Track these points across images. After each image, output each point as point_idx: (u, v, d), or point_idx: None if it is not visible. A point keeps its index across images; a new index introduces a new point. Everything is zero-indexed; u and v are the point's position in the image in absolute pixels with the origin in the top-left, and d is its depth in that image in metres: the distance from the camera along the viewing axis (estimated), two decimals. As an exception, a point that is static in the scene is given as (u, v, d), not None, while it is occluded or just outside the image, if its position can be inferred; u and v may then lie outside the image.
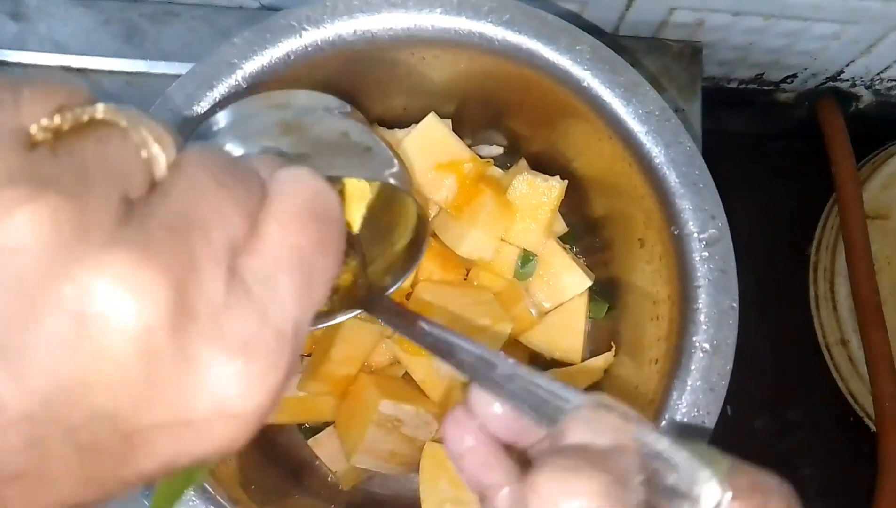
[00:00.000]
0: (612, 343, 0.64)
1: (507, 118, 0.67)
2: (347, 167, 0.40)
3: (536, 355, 0.67)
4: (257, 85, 0.53)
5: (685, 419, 0.48)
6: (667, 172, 0.51)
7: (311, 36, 0.53)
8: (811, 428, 0.97)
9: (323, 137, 0.42)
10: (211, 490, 0.48)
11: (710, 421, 0.48)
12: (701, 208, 0.50)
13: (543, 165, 0.67)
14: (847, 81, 0.88)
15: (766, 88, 0.93)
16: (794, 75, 0.88)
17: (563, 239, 0.68)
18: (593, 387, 0.65)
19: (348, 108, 0.47)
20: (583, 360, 0.65)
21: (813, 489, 0.95)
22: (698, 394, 0.49)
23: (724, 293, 0.50)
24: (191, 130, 0.50)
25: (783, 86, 0.92)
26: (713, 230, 0.50)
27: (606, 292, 0.67)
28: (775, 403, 0.97)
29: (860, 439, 0.90)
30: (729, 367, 0.49)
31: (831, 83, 0.89)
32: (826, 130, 0.89)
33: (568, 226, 0.69)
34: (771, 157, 1.03)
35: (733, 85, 0.92)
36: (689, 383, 0.49)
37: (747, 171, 0.97)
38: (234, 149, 0.39)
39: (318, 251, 0.25)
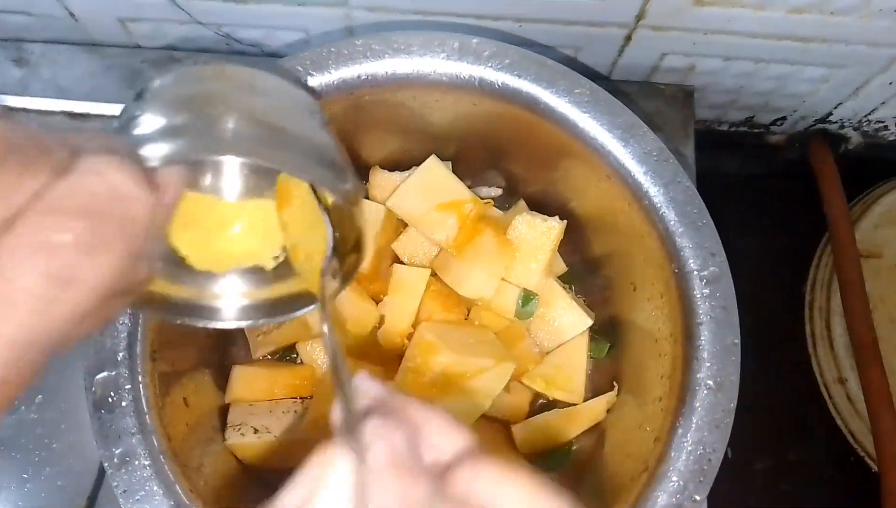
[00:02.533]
0: (615, 383, 0.63)
1: (505, 160, 0.68)
2: (298, 167, 0.37)
3: (538, 395, 0.67)
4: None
5: (692, 457, 0.48)
6: (666, 211, 0.52)
7: (316, 80, 0.54)
8: (811, 469, 0.97)
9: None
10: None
11: (717, 459, 0.48)
12: (701, 245, 0.51)
13: (542, 205, 0.67)
14: (836, 122, 0.90)
15: (756, 130, 0.94)
16: (784, 118, 0.90)
17: (562, 279, 0.68)
18: (596, 427, 0.65)
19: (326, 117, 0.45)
20: (585, 400, 0.65)
21: (813, 529, 0.94)
22: (704, 431, 0.49)
23: (726, 330, 0.50)
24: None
25: (773, 128, 0.94)
26: (714, 268, 0.51)
27: (607, 332, 0.67)
28: (775, 444, 0.96)
29: (861, 479, 0.89)
30: (733, 404, 0.49)
31: (820, 125, 0.91)
32: (818, 170, 0.91)
33: (567, 266, 0.69)
34: (763, 197, 1.05)
35: (724, 127, 0.94)
36: (695, 420, 0.49)
37: (740, 212, 0.98)
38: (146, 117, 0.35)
39: (75, 248, 0.25)
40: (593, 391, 0.67)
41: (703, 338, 0.50)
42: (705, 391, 0.49)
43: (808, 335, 0.94)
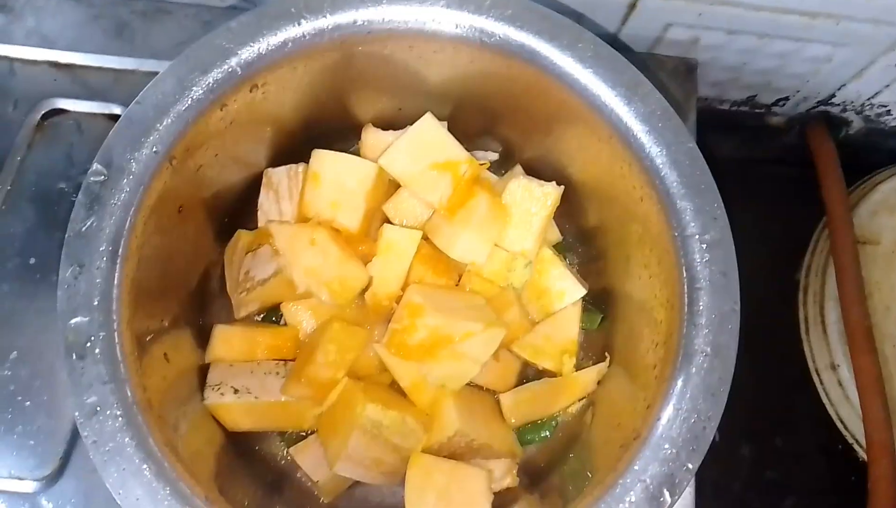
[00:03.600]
0: (607, 354, 0.62)
1: (502, 124, 0.66)
2: None
3: (526, 365, 0.65)
4: (250, 71, 0.52)
5: (685, 425, 0.47)
6: (668, 172, 0.50)
7: (311, 25, 0.52)
8: (798, 456, 0.96)
9: None
10: (187, 490, 0.46)
11: (711, 428, 0.47)
12: (702, 209, 0.49)
13: (538, 171, 0.66)
14: (838, 105, 0.88)
15: (757, 110, 0.93)
16: (786, 98, 0.89)
17: (556, 248, 0.66)
18: (587, 399, 0.63)
19: None
20: (576, 370, 0.63)
21: (796, 517, 0.94)
22: (699, 400, 0.47)
23: (725, 296, 0.48)
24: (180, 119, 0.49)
25: (774, 109, 0.92)
26: (714, 232, 0.49)
27: (600, 303, 0.66)
28: (762, 430, 0.95)
29: (847, 467, 0.88)
30: (730, 372, 0.48)
31: (822, 107, 0.90)
32: (816, 154, 0.90)
33: (562, 235, 0.67)
34: (759, 182, 1.03)
35: (725, 106, 0.92)
36: (689, 388, 0.47)
37: (735, 196, 0.97)
38: None
39: None
40: (583, 363, 0.65)
41: (701, 304, 0.48)
42: (702, 358, 0.47)
43: (800, 321, 0.93)
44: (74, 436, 0.68)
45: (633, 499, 0.46)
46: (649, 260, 0.54)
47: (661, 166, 0.50)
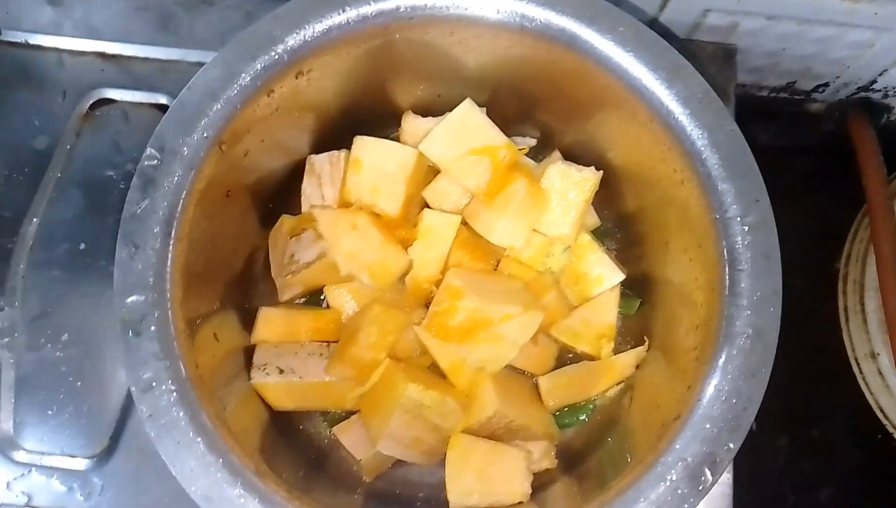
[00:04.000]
0: (645, 337, 0.62)
1: (540, 110, 0.67)
2: None
3: (564, 349, 0.66)
4: (296, 57, 0.53)
5: (726, 405, 0.47)
6: (709, 155, 0.50)
7: (354, 11, 0.53)
8: (835, 447, 0.95)
9: None
10: (237, 463, 0.47)
11: (752, 410, 0.47)
12: (744, 191, 0.50)
13: (576, 157, 0.66)
14: (879, 91, 0.87)
15: (797, 96, 0.92)
16: (826, 84, 0.87)
17: (594, 234, 0.67)
18: (624, 383, 0.64)
19: None
20: (614, 354, 0.63)
21: (833, 509, 0.93)
22: (739, 381, 0.47)
23: (767, 279, 0.49)
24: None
25: (814, 95, 0.91)
26: (756, 214, 0.49)
27: (638, 289, 0.66)
28: (799, 420, 0.95)
29: (886, 457, 0.87)
30: (771, 354, 0.48)
31: (863, 93, 0.88)
32: (856, 141, 0.88)
33: (600, 220, 0.68)
34: (797, 170, 1.02)
35: (764, 93, 0.92)
36: (730, 369, 0.47)
37: (773, 184, 0.96)
38: None
39: None
40: (620, 349, 0.66)
41: (742, 285, 0.48)
42: (743, 340, 0.48)
43: (840, 310, 0.92)
44: (124, 415, 0.70)
45: (673, 477, 0.46)
46: (689, 244, 0.54)
47: (702, 149, 0.51)
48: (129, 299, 0.48)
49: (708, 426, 0.47)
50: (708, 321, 0.50)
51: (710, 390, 0.47)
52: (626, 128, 0.57)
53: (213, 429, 0.47)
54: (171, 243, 0.50)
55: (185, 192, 0.51)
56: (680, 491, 0.46)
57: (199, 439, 0.47)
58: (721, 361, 0.48)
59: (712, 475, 0.46)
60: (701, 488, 0.46)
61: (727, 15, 0.74)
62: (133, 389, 0.47)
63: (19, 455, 0.70)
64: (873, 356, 0.87)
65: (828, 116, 0.96)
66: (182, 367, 0.48)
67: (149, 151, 0.51)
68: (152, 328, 0.48)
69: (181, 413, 0.47)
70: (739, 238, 0.49)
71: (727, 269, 0.49)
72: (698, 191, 0.51)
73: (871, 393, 0.89)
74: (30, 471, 0.70)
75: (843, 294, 0.92)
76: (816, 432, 0.98)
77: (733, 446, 0.46)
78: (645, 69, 0.52)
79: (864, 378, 0.90)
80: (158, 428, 0.47)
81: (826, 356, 0.92)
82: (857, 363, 0.90)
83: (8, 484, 0.70)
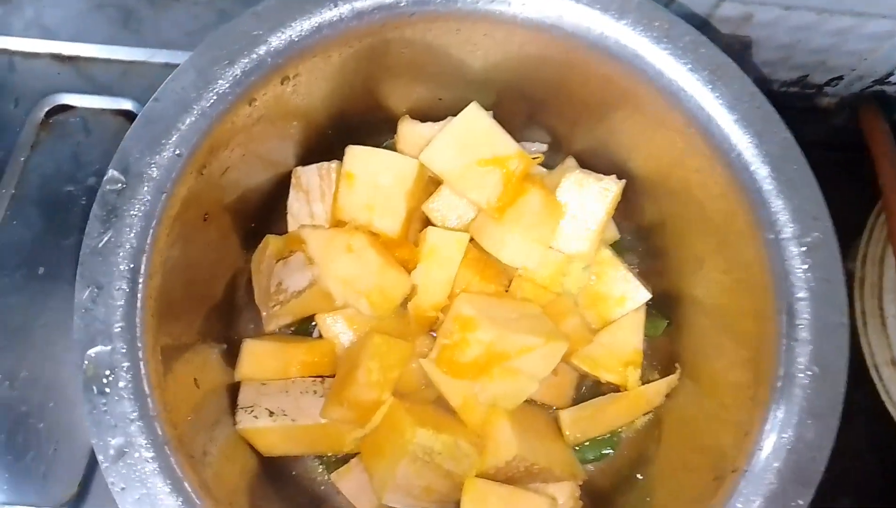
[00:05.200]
0: (676, 365, 0.56)
1: (550, 113, 0.60)
2: None
3: (583, 376, 0.60)
4: (281, 60, 0.46)
5: (792, 455, 0.41)
6: (758, 167, 0.44)
7: (348, 6, 0.46)
8: (853, 456, 0.91)
9: None
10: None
11: (821, 460, 0.41)
12: (801, 208, 0.44)
13: (593, 164, 0.60)
14: (895, 84, 0.82)
15: (808, 91, 0.87)
16: (840, 77, 0.83)
17: (613, 247, 0.61)
18: (652, 413, 0.58)
19: None
20: (641, 381, 0.57)
21: (851, 520, 0.88)
22: (805, 427, 0.41)
23: (830, 307, 0.43)
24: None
25: (826, 89, 0.86)
26: (817, 234, 0.43)
27: (662, 307, 0.60)
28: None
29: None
30: (841, 394, 0.42)
31: (878, 87, 0.84)
32: (870, 136, 0.84)
33: (621, 233, 0.62)
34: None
35: (774, 87, 0.86)
36: (795, 412, 0.42)
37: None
38: None
39: None
40: (647, 370, 0.60)
41: (804, 316, 0.42)
42: (807, 378, 0.42)
43: (857, 314, 0.87)
44: (93, 459, 0.63)
45: (734, 541, 0.40)
46: (732, 265, 0.48)
47: (749, 160, 0.44)
48: (93, 351, 0.41)
49: (772, 480, 0.41)
50: (761, 354, 0.44)
51: (773, 437, 0.41)
52: (654, 134, 0.51)
53: (199, 503, 0.40)
54: (142, 281, 0.42)
55: (154, 221, 0.43)
56: (742, 557, 0.40)
57: (181, 516, 0.39)
58: (782, 404, 0.42)
59: (778, 537, 0.40)
60: (766, 552, 0.40)
61: (742, 5, 0.68)
62: (100, 458, 0.40)
63: (-24, 508, 0.63)
64: (893, 362, 0.83)
65: (839, 110, 0.91)
66: (159, 428, 0.41)
67: (111, 173, 0.43)
68: (120, 384, 0.41)
69: (160, 485, 0.40)
70: (797, 261, 0.43)
71: (783, 296, 0.43)
72: (744, 207, 0.45)
73: (892, 401, 0.85)
74: (-11, 526, 0.63)
75: (860, 298, 0.87)
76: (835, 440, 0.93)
77: (802, 502, 0.41)
78: (683, 69, 0.46)
79: (883, 386, 0.85)
80: (133, 504, 0.40)
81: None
82: (877, 370, 0.85)
83: (-35, 541, 0.62)
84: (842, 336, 0.42)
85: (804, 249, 0.43)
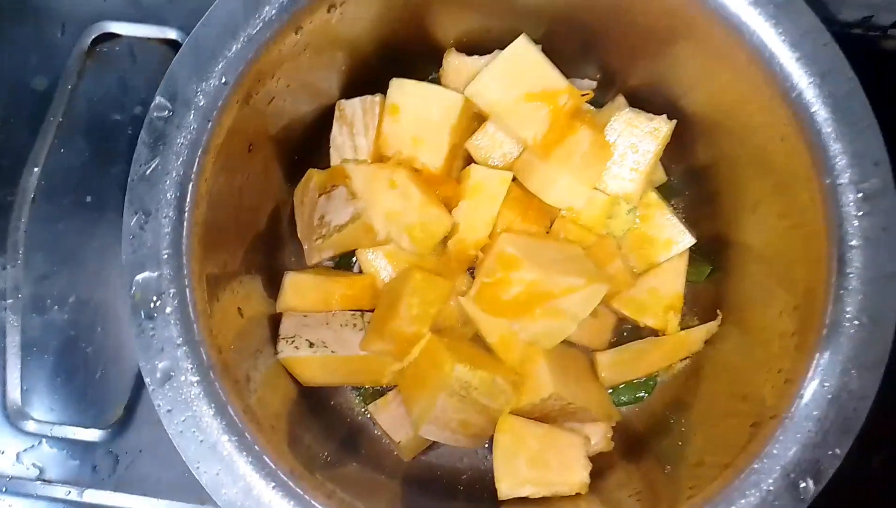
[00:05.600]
0: (718, 311, 0.55)
1: (603, 46, 0.58)
2: None
3: (622, 319, 0.59)
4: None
5: (834, 404, 0.41)
6: (819, 108, 0.43)
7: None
8: (889, 411, 0.89)
9: None
10: (270, 463, 0.41)
11: (863, 410, 0.41)
12: (861, 153, 0.42)
13: (643, 102, 0.58)
14: (968, 27, 0.78)
15: (872, 33, 0.83)
16: (908, 18, 0.78)
17: (660, 190, 0.59)
18: (690, 359, 0.57)
19: None
20: (680, 328, 0.57)
21: (886, 478, 0.87)
22: (850, 376, 0.41)
23: (885, 256, 0.41)
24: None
25: (892, 31, 0.82)
26: (876, 180, 0.42)
27: (707, 253, 0.59)
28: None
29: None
30: (888, 344, 0.41)
31: (949, 30, 0.79)
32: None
33: (668, 176, 0.60)
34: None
35: (835, 28, 0.82)
36: (840, 361, 0.41)
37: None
38: None
39: None
40: (686, 317, 0.59)
41: (855, 264, 0.41)
42: (854, 328, 0.41)
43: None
44: (139, 383, 0.65)
45: (770, 487, 0.40)
46: (788, 209, 0.47)
47: (811, 101, 0.43)
48: (141, 276, 0.42)
49: (811, 428, 0.40)
50: (810, 301, 0.43)
51: (814, 385, 0.41)
52: (713, 71, 0.49)
53: (242, 426, 0.41)
54: (187, 209, 0.43)
55: (201, 149, 0.43)
56: (777, 503, 0.40)
57: (225, 437, 0.41)
58: (828, 352, 0.41)
59: (815, 484, 0.40)
60: (802, 498, 0.40)
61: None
62: (147, 380, 0.41)
63: (29, 426, 0.65)
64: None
65: (906, 54, 0.86)
66: (204, 353, 0.42)
67: (158, 100, 0.43)
68: (168, 309, 0.42)
69: (204, 407, 0.41)
70: (853, 208, 0.42)
71: (837, 243, 0.42)
72: (804, 149, 0.43)
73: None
74: (40, 442, 0.65)
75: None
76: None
77: (840, 451, 0.40)
78: (745, 2, 0.43)
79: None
80: (178, 426, 0.41)
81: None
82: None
83: (18, 456, 0.65)
84: (894, 287, 0.41)
85: (860, 195, 0.42)
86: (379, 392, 0.59)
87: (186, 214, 0.43)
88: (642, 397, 0.59)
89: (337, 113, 0.58)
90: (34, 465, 0.65)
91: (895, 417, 0.88)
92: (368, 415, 0.59)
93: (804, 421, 0.41)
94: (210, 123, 0.44)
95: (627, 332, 0.60)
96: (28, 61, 0.71)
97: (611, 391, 0.59)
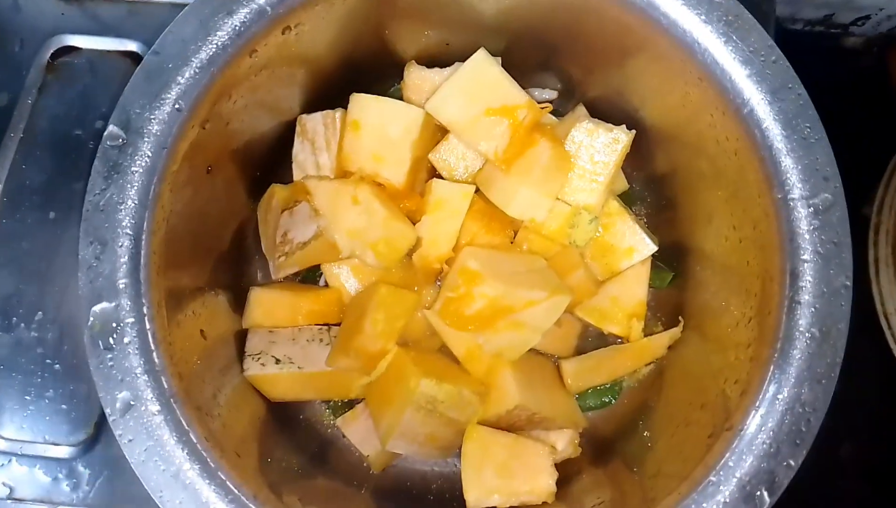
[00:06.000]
0: (680, 317, 0.56)
1: (563, 58, 0.59)
2: None
3: (586, 325, 0.60)
4: (282, 10, 0.45)
5: (787, 417, 0.41)
6: (771, 124, 0.43)
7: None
8: (857, 403, 0.91)
9: None
10: (233, 488, 0.42)
11: (816, 420, 0.42)
12: (811, 168, 0.43)
13: (603, 112, 0.58)
14: (925, 24, 0.79)
15: (833, 30, 0.84)
16: (867, 17, 0.80)
17: (622, 198, 0.60)
18: (655, 363, 0.58)
19: None
20: (644, 334, 0.58)
21: (854, 469, 0.89)
22: (803, 387, 0.42)
23: (836, 270, 0.42)
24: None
25: (852, 29, 0.83)
26: (826, 195, 0.42)
27: (669, 259, 0.59)
28: (821, 373, 0.90)
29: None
30: (839, 357, 0.42)
31: (906, 27, 0.81)
32: (896, 77, 0.81)
33: (630, 183, 0.61)
34: (828, 109, 0.94)
35: (798, 26, 0.84)
36: (793, 374, 0.42)
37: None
38: None
39: None
40: (651, 322, 0.60)
41: (807, 278, 0.42)
42: (807, 341, 0.42)
43: (870, 261, 0.86)
44: (108, 401, 0.65)
45: (726, 499, 0.41)
46: (741, 222, 0.47)
47: (762, 117, 0.43)
48: (98, 307, 0.42)
49: (765, 440, 0.41)
50: (764, 314, 0.44)
51: (769, 398, 0.42)
52: (669, 86, 0.49)
53: (205, 452, 0.41)
54: (145, 237, 0.43)
55: (156, 176, 0.43)
56: (733, 514, 0.41)
57: (187, 465, 0.41)
58: (781, 364, 0.42)
59: (769, 495, 0.41)
60: (758, 509, 0.41)
61: (768, -60, 0.65)
62: (108, 411, 0.41)
63: (-2, 445, 0.65)
64: (904, 311, 0.82)
65: (866, 50, 0.88)
66: (165, 381, 0.42)
67: (111, 128, 0.43)
68: (126, 339, 0.42)
69: (167, 437, 0.41)
70: (804, 222, 0.42)
71: (789, 257, 0.43)
72: (755, 164, 0.44)
73: (901, 350, 0.84)
74: (10, 461, 0.65)
75: (875, 245, 0.86)
76: (839, 386, 0.93)
77: (794, 463, 0.41)
78: (697, 19, 0.44)
79: (892, 334, 0.85)
80: (140, 455, 0.41)
81: (852, 308, 0.86)
82: (886, 318, 0.85)
83: (-12, 476, 0.65)
84: (845, 299, 0.42)
85: (811, 209, 0.42)
86: (348, 405, 0.60)
87: (143, 242, 0.43)
88: (608, 401, 0.60)
89: (298, 129, 0.58)
90: (4, 484, 0.65)
91: (865, 408, 0.90)
92: (338, 428, 0.60)
93: (758, 433, 0.42)
94: (165, 151, 0.43)
95: (593, 338, 0.61)
96: (-14, 77, 0.70)
97: (577, 396, 0.60)
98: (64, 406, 0.65)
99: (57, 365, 0.66)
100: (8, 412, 0.65)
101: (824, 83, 0.98)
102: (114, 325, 0.42)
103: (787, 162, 0.43)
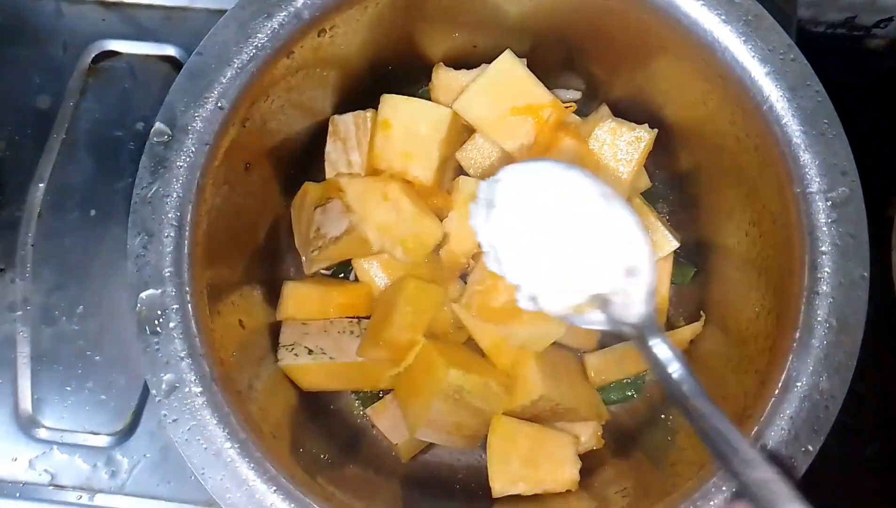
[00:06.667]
0: (701, 312, 0.57)
1: (587, 60, 0.60)
2: None
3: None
4: (318, 13, 0.47)
5: (805, 403, 0.43)
6: (790, 120, 0.44)
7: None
8: (883, 404, 0.91)
9: None
10: (271, 468, 0.44)
11: (834, 406, 0.43)
12: (829, 163, 0.44)
13: (627, 112, 0.60)
14: (948, 25, 0.80)
15: (856, 32, 0.85)
16: (890, 19, 0.80)
17: (644, 196, 0.61)
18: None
19: None
20: (667, 328, 0.59)
21: (880, 466, 0.89)
22: (821, 376, 0.43)
23: (853, 261, 0.43)
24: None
25: (875, 31, 0.84)
26: (844, 189, 0.44)
27: (692, 255, 0.61)
28: (845, 374, 0.90)
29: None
30: (857, 347, 0.43)
31: (929, 28, 0.81)
32: (920, 79, 0.82)
33: (653, 181, 0.62)
34: (852, 110, 0.95)
35: (821, 29, 0.84)
36: (811, 363, 0.43)
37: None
38: None
39: None
40: (674, 318, 0.61)
41: (825, 269, 0.43)
42: (825, 331, 0.43)
43: (893, 263, 0.86)
44: (147, 390, 0.67)
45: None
46: (761, 217, 0.49)
47: (781, 113, 0.45)
48: (145, 294, 0.44)
49: (784, 426, 0.42)
50: (783, 306, 0.45)
51: (787, 385, 0.43)
52: (690, 85, 0.51)
53: (244, 433, 0.43)
54: (188, 229, 0.45)
55: (199, 171, 0.45)
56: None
57: (228, 444, 0.43)
58: (799, 353, 0.43)
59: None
60: (776, 494, 0.42)
61: (789, -58, 0.66)
62: (154, 392, 0.44)
63: (41, 433, 0.68)
64: (929, 311, 0.82)
65: (889, 52, 0.88)
66: (207, 366, 0.44)
67: (157, 125, 0.45)
68: (171, 324, 0.44)
69: (208, 418, 0.43)
70: (823, 216, 0.44)
71: (808, 250, 0.44)
72: (774, 159, 0.45)
73: (925, 349, 0.84)
74: (51, 449, 0.68)
75: (896, 247, 0.86)
76: (862, 386, 0.93)
77: (812, 448, 0.42)
78: (717, 19, 0.45)
79: (917, 333, 0.85)
80: (184, 434, 0.43)
81: (876, 309, 0.87)
82: (911, 322, 0.85)
83: (30, 462, 0.68)
84: (862, 291, 0.43)
85: (830, 203, 0.44)
86: (377, 396, 0.62)
87: (187, 233, 0.45)
88: (631, 395, 0.61)
89: (331, 129, 0.60)
90: (46, 471, 0.67)
91: (888, 409, 0.91)
92: (367, 418, 0.61)
93: (778, 420, 0.43)
94: (207, 147, 0.46)
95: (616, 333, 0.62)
96: (31, 81, 0.73)
97: (600, 390, 0.61)
98: (103, 397, 0.68)
99: (97, 357, 0.68)
100: (50, 402, 0.68)
101: (847, 85, 0.99)
102: (159, 311, 0.44)
103: (806, 157, 0.44)
